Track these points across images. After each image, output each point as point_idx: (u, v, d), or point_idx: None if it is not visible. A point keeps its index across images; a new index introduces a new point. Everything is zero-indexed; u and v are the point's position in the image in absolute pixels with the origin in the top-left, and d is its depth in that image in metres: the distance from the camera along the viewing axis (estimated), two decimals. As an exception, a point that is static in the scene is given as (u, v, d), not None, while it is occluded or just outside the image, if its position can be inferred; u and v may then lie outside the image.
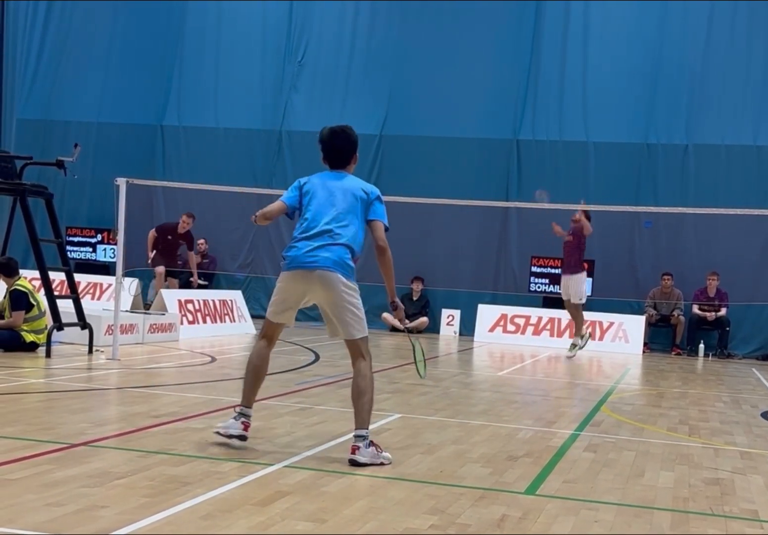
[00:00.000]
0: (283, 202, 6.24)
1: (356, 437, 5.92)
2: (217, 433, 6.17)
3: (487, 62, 19.07)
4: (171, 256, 16.72)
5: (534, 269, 18.28)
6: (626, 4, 18.60)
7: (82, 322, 11.40)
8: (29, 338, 10.91)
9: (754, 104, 17.96)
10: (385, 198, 6.29)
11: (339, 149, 6.24)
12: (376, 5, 19.73)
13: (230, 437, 6.11)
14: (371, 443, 5.91)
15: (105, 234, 19.84)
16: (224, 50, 20.43)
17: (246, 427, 6.12)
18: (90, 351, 11.26)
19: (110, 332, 11.63)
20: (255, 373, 6.21)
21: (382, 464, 5.88)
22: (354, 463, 5.81)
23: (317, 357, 12.56)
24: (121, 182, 11.12)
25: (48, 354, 10.65)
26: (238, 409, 6.20)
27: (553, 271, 17.98)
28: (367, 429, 5.94)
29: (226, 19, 20.44)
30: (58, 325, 10.99)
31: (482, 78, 19.02)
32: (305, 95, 19.88)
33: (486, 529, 4.62)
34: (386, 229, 6.19)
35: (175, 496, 4.82)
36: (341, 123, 6.39)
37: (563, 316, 17.29)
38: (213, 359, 11.70)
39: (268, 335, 6.24)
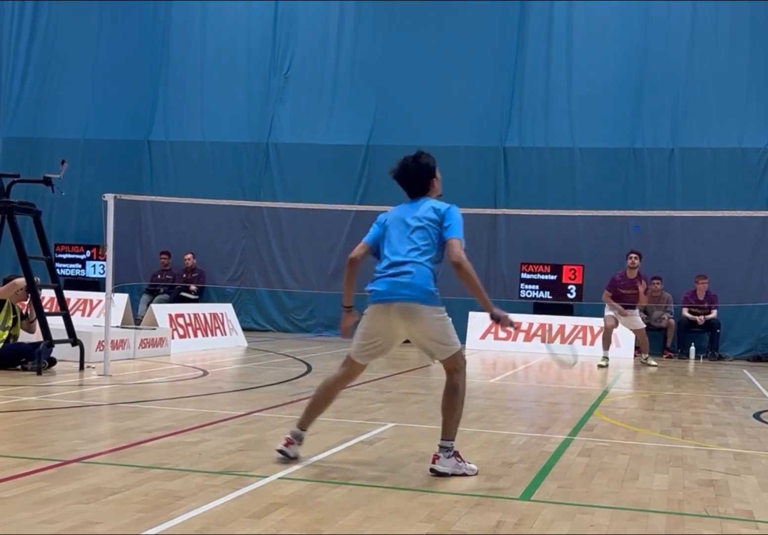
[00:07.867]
0: (365, 243, 6.28)
1: (440, 447, 6.00)
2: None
3: (472, 71, 19.11)
4: None
5: (524, 275, 18.26)
6: (609, 10, 18.68)
7: (73, 338, 11.38)
8: None
9: (739, 106, 18.01)
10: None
11: (410, 177, 6.24)
12: (361, 17, 19.77)
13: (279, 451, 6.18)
14: (455, 454, 5.99)
15: (94, 250, 19.79)
16: (209, 64, 20.45)
17: (287, 443, 6.16)
18: (81, 368, 11.22)
19: (101, 348, 11.60)
20: (313, 401, 6.33)
21: (465, 474, 5.94)
22: (435, 472, 5.90)
23: (309, 368, 12.54)
24: (109, 198, 11.10)
25: (39, 372, 10.62)
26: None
27: (542, 277, 18.01)
28: (452, 441, 6.01)
29: (211, 33, 20.47)
30: (49, 342, 10.96)
31: (468, 87, 19.06)
32: (291, 108, 19.88)
33: (482, 536, 4.62)
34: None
35: (169, 510, 4.81)
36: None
37: (554, 322, 17.36)
38: (205, 373, 11.67)
39: (347, 371, 6.36)
